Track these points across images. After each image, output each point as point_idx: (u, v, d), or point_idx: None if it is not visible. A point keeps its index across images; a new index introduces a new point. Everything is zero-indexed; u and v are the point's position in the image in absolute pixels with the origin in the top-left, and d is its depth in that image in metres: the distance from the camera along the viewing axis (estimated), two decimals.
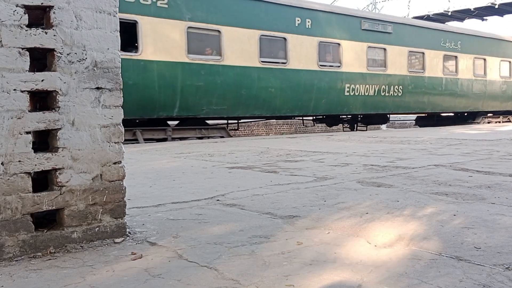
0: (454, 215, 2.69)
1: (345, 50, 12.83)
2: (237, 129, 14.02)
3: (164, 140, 9.97)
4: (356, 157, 5.83)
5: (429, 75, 15.54)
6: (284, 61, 11.45)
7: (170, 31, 9.32)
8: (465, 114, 18.93)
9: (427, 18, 26.91)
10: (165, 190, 3.68)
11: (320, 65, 12.31)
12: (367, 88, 13.48)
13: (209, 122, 11.69)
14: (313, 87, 12.13)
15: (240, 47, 10.56)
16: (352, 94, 13.05)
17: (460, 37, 16.66)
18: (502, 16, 30.15)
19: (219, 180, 4.18)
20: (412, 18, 24.02)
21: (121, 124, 2.31)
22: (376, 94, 13.79)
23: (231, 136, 11.67)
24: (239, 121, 13.16)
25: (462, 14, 29.11)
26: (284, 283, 1.71)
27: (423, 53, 15.44)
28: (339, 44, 12.67)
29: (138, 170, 4.94)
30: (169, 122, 10.87)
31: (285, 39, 11.33)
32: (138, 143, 9.43)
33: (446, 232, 2.33)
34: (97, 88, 2.21)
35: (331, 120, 15.36)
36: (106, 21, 2.23)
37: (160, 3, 9.19)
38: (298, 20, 11.59)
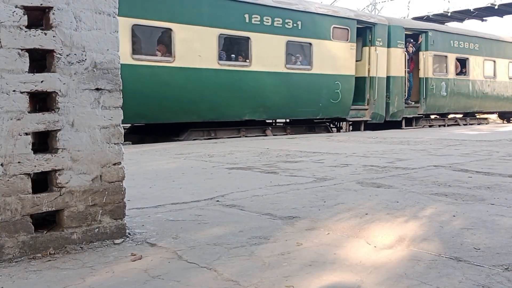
0: (454, 216, 2.69)
1: None
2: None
3: (429, 126, 16.03)
4: (355, 158, 5.83)
5: None
6: None
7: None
8: None
9: (427, 18, 26.86)
10: (164, 191, 3.68)
11: None
12: None
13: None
14: None
15: (502, 70, 17.61)
16: None
17: None
18: (501, 16, 30.16)
19: (219, 181, 4.18)
20: (412, 18, 24.01)
21: (121, 125, 2.31)
22: None
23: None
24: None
25: (462, 15, 29.11)
26: (283, 284, 1.71)
27: None
28: None
29: (138, 171, 4.94)
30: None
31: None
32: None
33: (446, 233, 2.33)
34: (97, 89, 2.21)
35: (508, 115, 20.62)
36: (106, 22, 2.24)
37: (460, 45, 16.01)
38: None
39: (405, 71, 14.12)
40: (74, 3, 2.13)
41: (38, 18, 2.12)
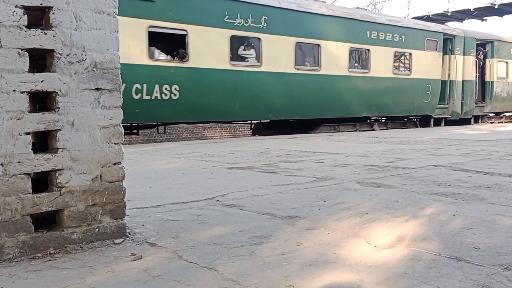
0: (454, 215, 2.69)
1: None
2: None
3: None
4: (355, 158, 5.83)
5: None
6: None
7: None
8: None
9: (427, 18, 26.82)
10: (164, 191, 3.68)
11: None
12: None
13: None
14: None
15: None
16: None
17: None
18: (501, 16, 30.12)
19: (219, 180, 4.18)
20: (412, 18, 24.00)
21: (121, 125, 2.31)
22: None
23: None
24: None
25: (462, 15, 29.06)
26: (283, 283, 1.71)
27: None
28: None
29: (138, 170, 4.94)
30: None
31: None
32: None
33: (446, 233, 2.33)
34: (97, 89, 2.21)
35: None
36: (106, 22, 2.23)
37: None
38: None
39: (476, 75, 16.62)
40: (74, 2, 2.13)
41: (38, 18, 2.12)
